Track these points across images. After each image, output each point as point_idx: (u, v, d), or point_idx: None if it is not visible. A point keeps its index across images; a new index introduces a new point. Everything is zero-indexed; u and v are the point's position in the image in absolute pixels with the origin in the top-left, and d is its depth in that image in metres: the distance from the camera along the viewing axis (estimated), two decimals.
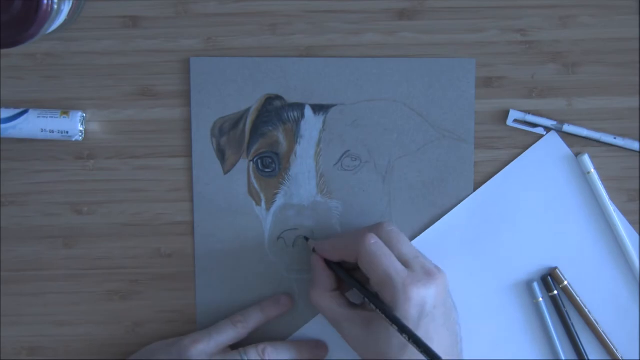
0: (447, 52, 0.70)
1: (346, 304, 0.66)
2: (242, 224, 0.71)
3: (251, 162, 0.71)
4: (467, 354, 0.70)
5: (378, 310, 0.63)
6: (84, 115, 0.70)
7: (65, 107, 0.70)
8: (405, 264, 0.63)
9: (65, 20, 0.65)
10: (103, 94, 0.71)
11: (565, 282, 0.70)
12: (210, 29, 0.70)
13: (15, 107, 0.69)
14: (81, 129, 0.69)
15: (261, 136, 0.70)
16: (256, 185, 0.71)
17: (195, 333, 0.68)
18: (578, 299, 0.70)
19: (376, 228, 0.66)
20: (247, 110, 0.70)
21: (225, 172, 0.71)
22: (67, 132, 0.69)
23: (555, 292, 0.70)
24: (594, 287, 0.71)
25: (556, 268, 0.71)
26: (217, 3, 0.70)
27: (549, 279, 0.70)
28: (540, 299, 0.70)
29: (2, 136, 0.69)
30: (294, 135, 0.70)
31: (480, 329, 0.71)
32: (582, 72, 0.71)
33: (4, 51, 0.69)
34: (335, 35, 0.70)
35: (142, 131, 0.71)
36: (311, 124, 0.70)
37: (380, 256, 0.63)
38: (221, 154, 0.71)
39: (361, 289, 0.65)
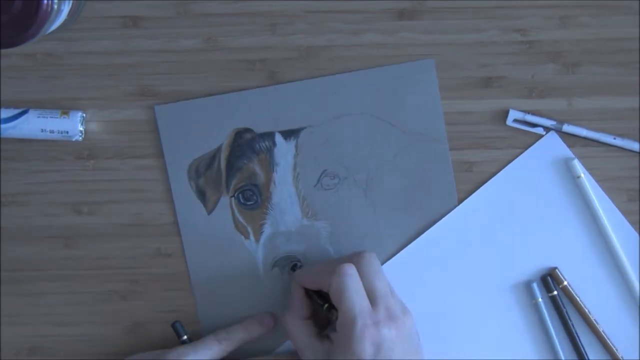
0: (447, 52, 0.70)
1: (314, 334, 0.67)
2: (234, 260, 0.71)
3: (232, 198, 0.71)
4: (467, 354, 0.70)
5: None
6: (84, 115, 0.70)
7: (65, 107, 0.70)
8: (373, 300, 0.64)
9: (65, 20, 0.65)
10: (103, 94, 0.71)
11: (565, 282, 0.70)
12: (210, 29, 0.70)
13: (15, 107, 0.69)
14: (81, 129, 0.69)
15: (237, 171, 0.71)
16: (241, 220, 0.71)
17: (180, 348, 0.68)
18: (578, 299, 0.70)
19: (356, 257, 0.66)
20: (219, 148, 0.70)
21: (209, 212, 0.71)
22: (67, 132, 0.69)
23: (555, 292, 0.70)
24: (594, 287, 0.71)
25: (556, 268, 0.70)
26: (217, 3, 0.70)
27: (549, 279, 0.70)
28: (540, 300, 0.70)
29: (2, 136, 0.69)
30: (270, 164, 0.71)
31: (480, 329, 0.71)
32: (582, 72, 0.71)
33: (4, 51, 0.69)
34: (335, 35, 0.70)
35: (142, 131, 0.71)
36: (284, 150, 0.70)
37: (350, 291, 0.63)
38: (202, 195, 0.71)
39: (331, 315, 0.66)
